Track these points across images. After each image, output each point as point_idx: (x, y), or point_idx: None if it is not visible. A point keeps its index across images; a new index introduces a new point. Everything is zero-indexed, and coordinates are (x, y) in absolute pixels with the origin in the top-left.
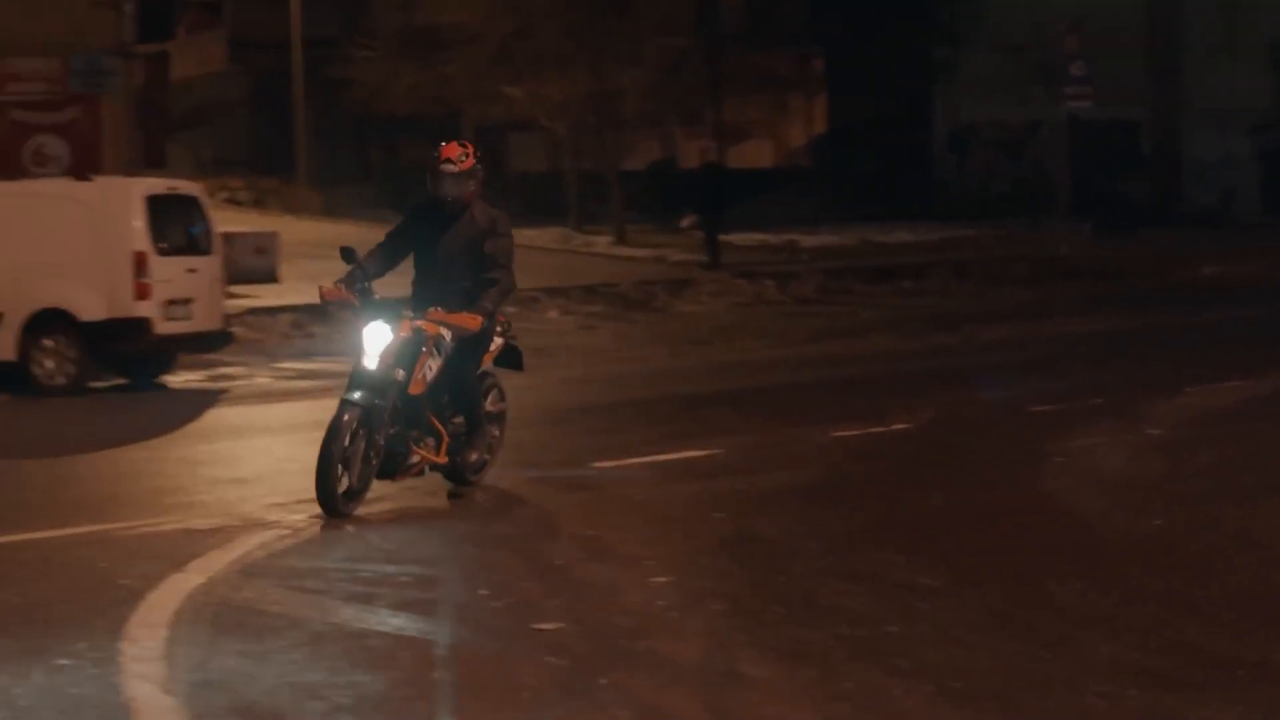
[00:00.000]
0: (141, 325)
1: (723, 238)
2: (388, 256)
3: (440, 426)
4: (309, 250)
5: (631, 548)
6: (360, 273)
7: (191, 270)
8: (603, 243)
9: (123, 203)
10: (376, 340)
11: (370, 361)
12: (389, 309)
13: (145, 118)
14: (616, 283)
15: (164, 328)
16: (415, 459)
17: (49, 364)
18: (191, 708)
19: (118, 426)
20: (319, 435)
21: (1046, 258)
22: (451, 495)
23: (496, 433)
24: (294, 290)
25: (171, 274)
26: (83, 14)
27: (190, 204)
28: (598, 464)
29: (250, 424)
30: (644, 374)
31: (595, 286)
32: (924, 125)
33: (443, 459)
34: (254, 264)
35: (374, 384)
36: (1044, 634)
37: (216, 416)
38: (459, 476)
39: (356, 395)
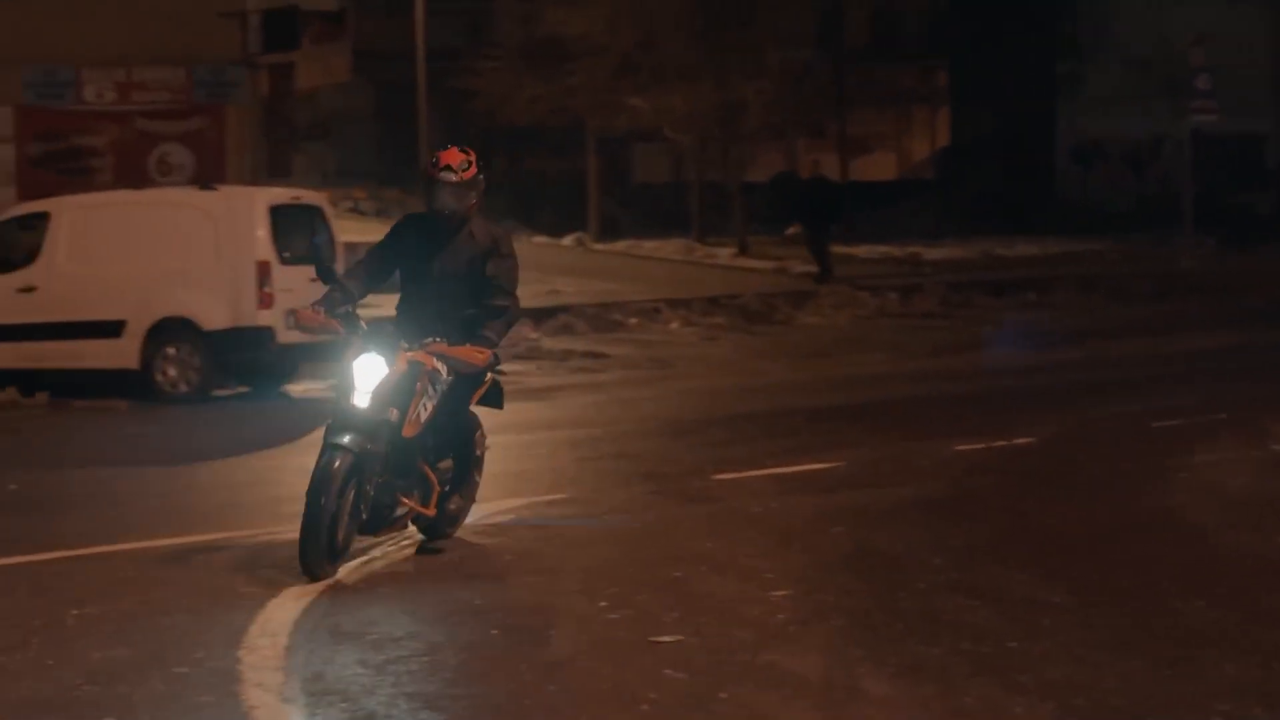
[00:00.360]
0: (264, 334)
1: (846, 250)
2: (371, 276)
3: (431, 474)
4: None
5: (751, 561)
6: (340, 295)
7: (314, 280)
8: (725, 254)
9: (246, 212)
10: (369, 375)
11: (361, 399)
12: (381, 338)
13: (270, 127)
14: (738, 294)
15: (287, 337)
16: (401, 511)
17: (172, 372)
18: (309, 718)
19: (239, 435)
20: None
21: (1170, 272)
22: (424, 551)
23: (478, 478)
24: None
25: (294, 283)
26: (208, 25)
27: (314, 213)
28: (717, 476)
29: None
30: (765, 386)
31: (717, 298)
32: (1047, 139)
33: (431, 510)
34: None
35: (365, 426)
36: (1168, 652)
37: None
38: (437, 530)
39: (346, 439)
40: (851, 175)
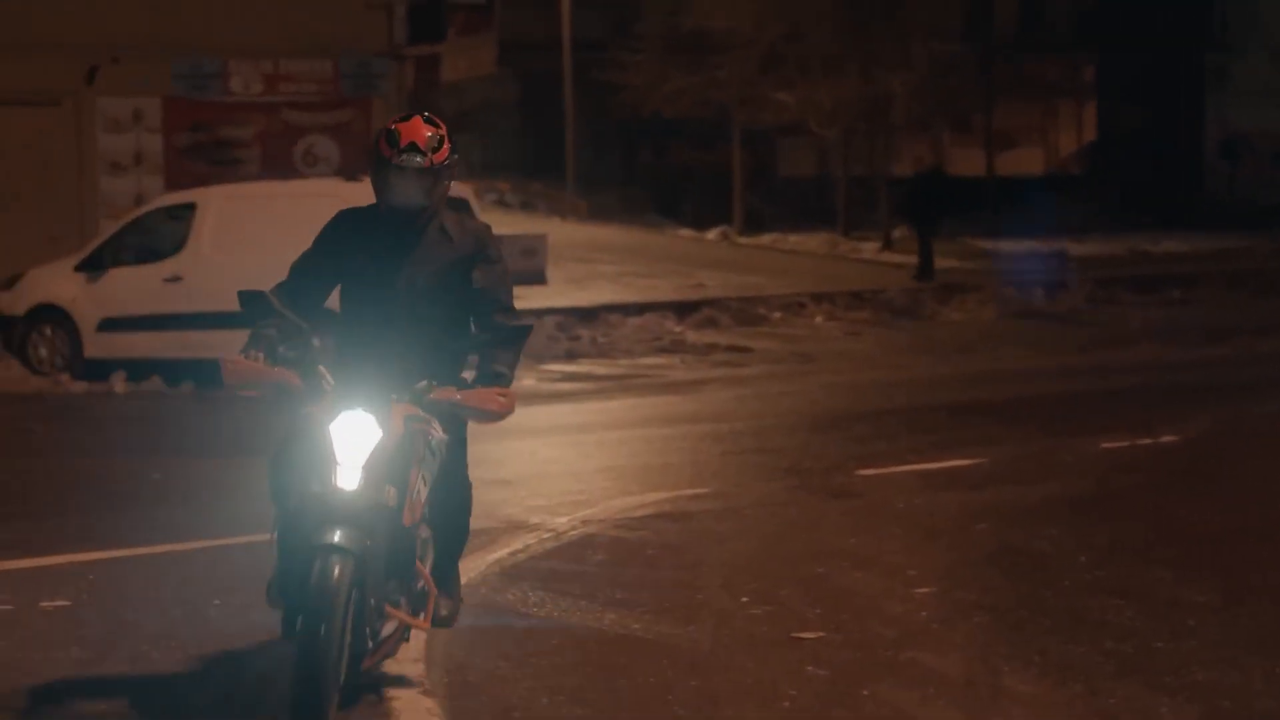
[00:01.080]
0: None
1: (992, 244)
2: (301, 298)
3: (424, 570)
4: (576, 253)
5: (894, 557)
6: (278, 330)
7: None
8: (870, 248)
9: None
10: (355, 442)
11: (348, 478)
12: (363, 388)
13: None
14: (883, 289)
15: None
16: (390, 628)
17: None
18: (451, 710)
19: None
20: (583, 438)
21: None
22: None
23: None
24: (561, 293)
25: None
26: (354, 16)
27: (459, 206)
28: (861, 471)
29: (514, 426)
30: (909, 381)
31: (861, 292)
32: (1195, 133)
33: (426, 622)
34: (522, 266)
35: (359, 515)
36: None
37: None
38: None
39: (338, 536)
40: (997, 169)
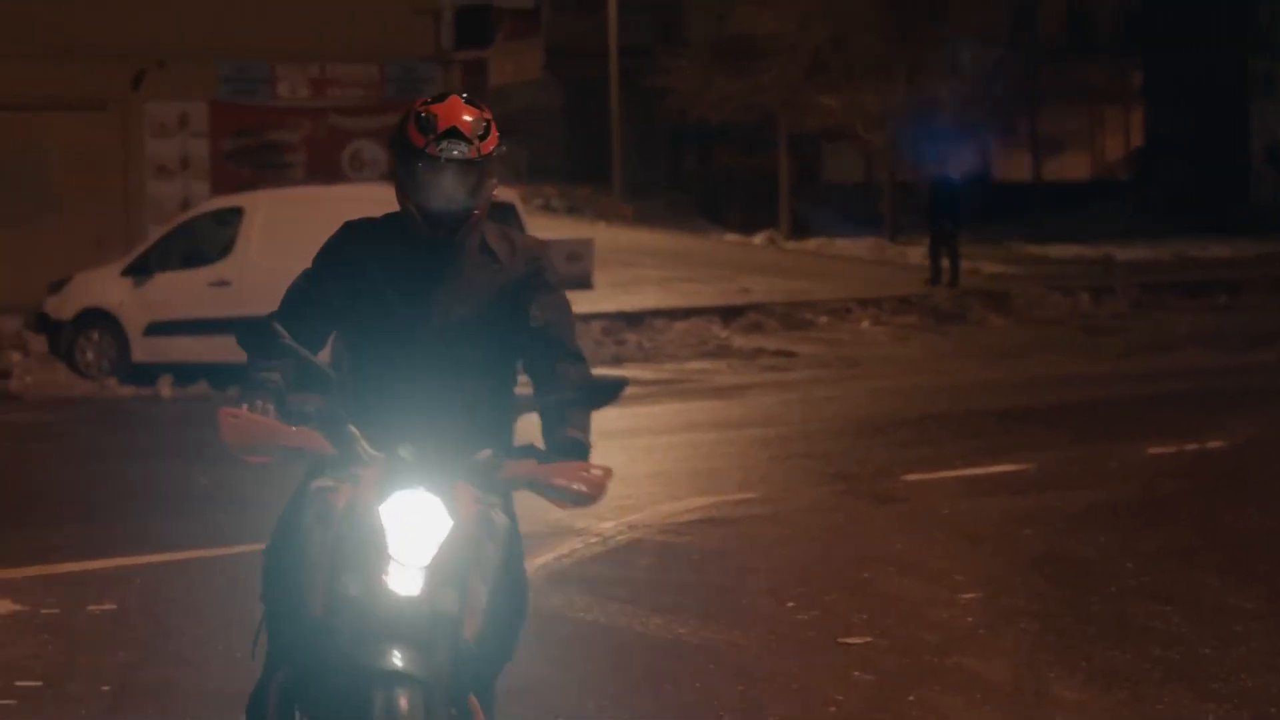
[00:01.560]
0: None
1: (1040, 250)
2: (306, 333)
3: (474, 700)
4: (622, 257)
5: (940, 563)
6: (286, 377)
7: None
8: (917, 254)
9: None
10: (416, 532)
11: (406, 580)
12: (423, 458)
13: None
14: (930, 294)
15: None
16: None
17: None
18: (496, 714)
19: None
20: (629, 443)
21: None
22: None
23: None
24: (606, 297)
25: None
26: (401, 21)
27: (505, 210)
28: (906, 476)
29: None
30: (955, 386)
31: (909, 297)
32: (1241, 139)
33: None
34: (568, 271)
35: (420, 629)
36: None
37: (527, 422)
38: None
39: (398, 658)
40: (1044, 175)
